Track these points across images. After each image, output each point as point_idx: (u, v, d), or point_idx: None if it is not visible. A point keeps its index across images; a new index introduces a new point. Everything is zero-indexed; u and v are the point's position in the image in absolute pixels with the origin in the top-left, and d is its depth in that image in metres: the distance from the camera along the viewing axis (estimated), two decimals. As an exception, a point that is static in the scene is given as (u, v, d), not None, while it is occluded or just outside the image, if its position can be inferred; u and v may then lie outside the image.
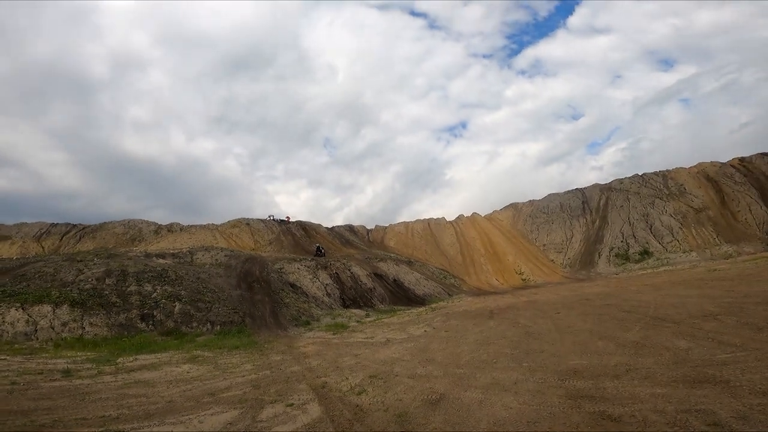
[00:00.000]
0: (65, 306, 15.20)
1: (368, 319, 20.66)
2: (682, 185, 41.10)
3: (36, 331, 14.07)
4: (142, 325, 15.86)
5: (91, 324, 14.99)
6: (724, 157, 43.28)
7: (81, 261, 19.86)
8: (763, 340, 7.58)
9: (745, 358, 6.73)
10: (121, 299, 16.65)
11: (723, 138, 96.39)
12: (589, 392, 6.24)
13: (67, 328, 14.55)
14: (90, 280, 17.43)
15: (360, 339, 14.67)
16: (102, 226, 41.65)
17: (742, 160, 41.12)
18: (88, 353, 12.56)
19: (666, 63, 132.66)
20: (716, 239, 33.45)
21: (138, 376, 10.02)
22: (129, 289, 17.38)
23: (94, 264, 19.35)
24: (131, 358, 11.95)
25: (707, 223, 35.52)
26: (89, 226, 42.04)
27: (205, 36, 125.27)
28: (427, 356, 10.43)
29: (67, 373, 9.89)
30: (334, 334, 16.48)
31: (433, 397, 7.02)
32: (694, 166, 43.58)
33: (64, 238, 39.82)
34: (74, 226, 41.94)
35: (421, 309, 23.97)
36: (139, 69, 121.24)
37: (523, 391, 6.73)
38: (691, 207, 37.88)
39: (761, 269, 18.29)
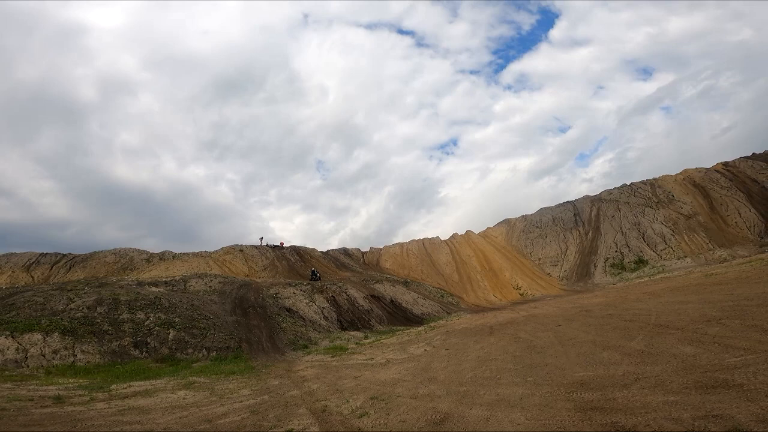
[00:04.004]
0: (56, 334, 14.98)
1: (367, 341, 20.28)
2: (670, 192, 41.67)
3: (26, 358, 13.83)
4: (136, 352, 15.55)
5: (82, 351, 14.73)
6: (709, 162, 44.13)
7: (71, 290, 19.51)
8: (771, 341, 7.46)
9: (755, 361, 6.58)
10: (114, 327, 16.36)
11: (706, 143, 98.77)
12: (598, 403, 6.05)
13: (58, 355, 14.29)
14: (81, 308, 17.14)
15: (359, 361, 14.36)
16: (92, 256, 40.88)
17: (726, 164, 41.94)
18: (81, 380, 12.25)
19: (645, 71, 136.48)
20: (709, 244, 33.68)
21: (132, 402, 9.70)
22: (121, 317, 17.06)
23: (85, 293, 18.99)
24: (125, 385, 11.62)
25: (698, 228, 35.85)
26: (79, 255, 41.24)
27: (194, 58, 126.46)
28: (429, 375, 10.22)
29: (58, 400, 9.58)
30: (332, 356, 16.13)
31: (437, 416, 6.79)
32: (680, 173, 44.32)
33: (54, 268, 39.03)
34: (64, 255, 41.15)
35: (420, 328, 23.65)
36: (128, 93, 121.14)
37: (530, 406, 6.52)
38: (681, 214, 38.29)
39: (758, 271, 18.28)
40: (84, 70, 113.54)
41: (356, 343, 19.56)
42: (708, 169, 42.55)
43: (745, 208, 35.34)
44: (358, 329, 24.27)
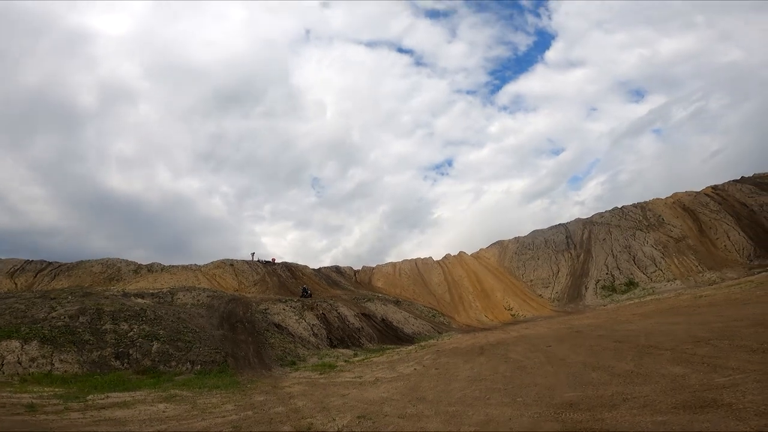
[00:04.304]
0: (35, 342, 14.66)
1: (356, 359, 19.98)
2: (660, 216, 42.25)
3: (2, 365, 13.50)
4: (117, 363, 15.16)
5: (61, 360, 14.37)
6: (699, 185, 44.76)
7: (54, 299, 19.15)
8: (760, 361, 7.50)
9: (743, 381, 6.59)
10: (95, 337, 16.00)
11: (696, 167, 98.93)
12: (587, 424, 6.00)
13: (35, 363, 13.93)
14: (63, 317, 16.80)
15: (348, 378, 14.12)
16: (78, 265, 40.17)
17: (715, 188, 42.68)
18: (56, 389, 11.92)
19: (637, 93, 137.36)
20: (698, 267, 34.00)
21: (108, 414, 9.40)
22: (104, 328, 16.71)
23: (68, 302, 18.62)
24: (102, 396, 11.30)
25: (688, 251, 36.24)
26: (65, 264, 40.50)
27: (196, 68, 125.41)
28: (418, 395, 10.07)
29: (31, 408, 9.28)
30: (321, 373, 15.84)
31: (425, 436, 6.67)
32: (670, 197, 45.06)
33: (38, 276, 38.23)
34: (50, 263, 40.43)
35: (410, 347, 23.42)
36: (128, 101, 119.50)
37: (518, 427, 6.46)
38: (671, 237, 38.75)
39: (747, 293, 18.48)
40: (86, 76, 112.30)
41: (345, 361, 19.26)
42: (697, 193, 43.31)
43: (734, 231, 35.86)
44: (347, 347, 23.94)
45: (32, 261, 40.38)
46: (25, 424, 7.98)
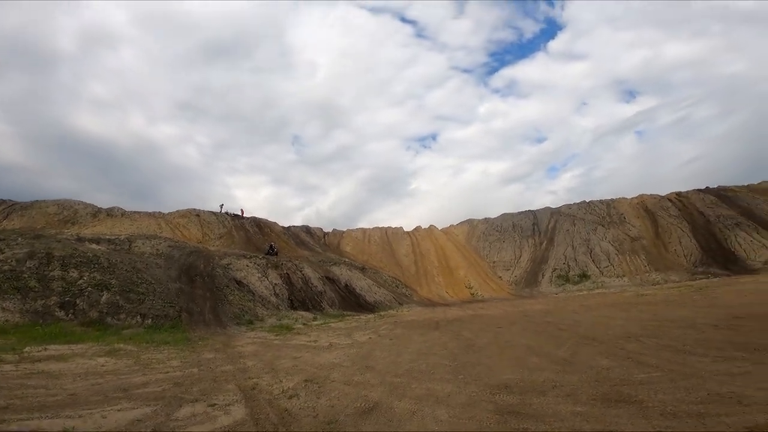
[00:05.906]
0: None
1: (315, 323, 20.30)
2: (622, 214, 44.02)
3: None
4: (61, 314, 14.64)
5: (3, 309, 13.70)
6: (667, 190, 46.59)
7: (3, 240, 18.17)
8: (679, 361, 8.08)
9: (659, 379, 7.10)
10: (41, 284, 15.33)
11: (669, 172, 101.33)
12: (516, 408, 6.35)
13: None
14: (9, 261, 15.98)
15: (303, 342, 14.36)
16: (33, 205, 37.91)
17: (679, 194, 44.63)
18: None
19: (630, 94, 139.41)
20: (646, 267, 36.00)
21: (42, 366, 9.19)
22: (51, 274, 16.02)
23: (17, 244, 17.71)
24: (40, 348, 10.99)
25: (640, 251, 38.19)
26: (19, 203, 38.16)
27: (188, 18, 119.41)
28: (368, 363, 10.35)
29: None
30: (276, 335, 16.03)
31: (366, 405, 6.90)
32: (636, 197, 46.87)
33: (-10, 214, 36.08)
34: (3, 201, 38.12)
35: (370, 316, 23.95)
36: (109, 46, 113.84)
37: (454, 404, 6.75)
38: (628, 235, 40.61)
39: (684, 296, 19.75)
40: (68, 21, 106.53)
41: (304, 324, 19.53)
42: (661, 197, 45.14)
43: (687, 238, 37.90)
44: (308, 310, 24.21)
45: (-16, 198, 37.97)
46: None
